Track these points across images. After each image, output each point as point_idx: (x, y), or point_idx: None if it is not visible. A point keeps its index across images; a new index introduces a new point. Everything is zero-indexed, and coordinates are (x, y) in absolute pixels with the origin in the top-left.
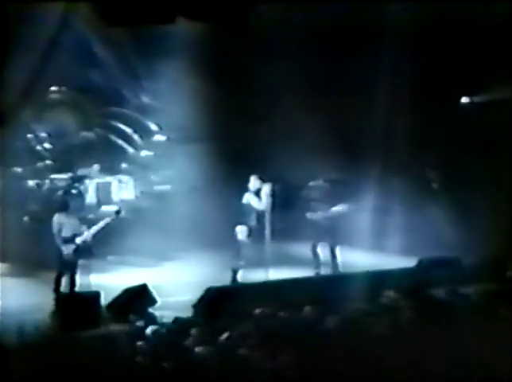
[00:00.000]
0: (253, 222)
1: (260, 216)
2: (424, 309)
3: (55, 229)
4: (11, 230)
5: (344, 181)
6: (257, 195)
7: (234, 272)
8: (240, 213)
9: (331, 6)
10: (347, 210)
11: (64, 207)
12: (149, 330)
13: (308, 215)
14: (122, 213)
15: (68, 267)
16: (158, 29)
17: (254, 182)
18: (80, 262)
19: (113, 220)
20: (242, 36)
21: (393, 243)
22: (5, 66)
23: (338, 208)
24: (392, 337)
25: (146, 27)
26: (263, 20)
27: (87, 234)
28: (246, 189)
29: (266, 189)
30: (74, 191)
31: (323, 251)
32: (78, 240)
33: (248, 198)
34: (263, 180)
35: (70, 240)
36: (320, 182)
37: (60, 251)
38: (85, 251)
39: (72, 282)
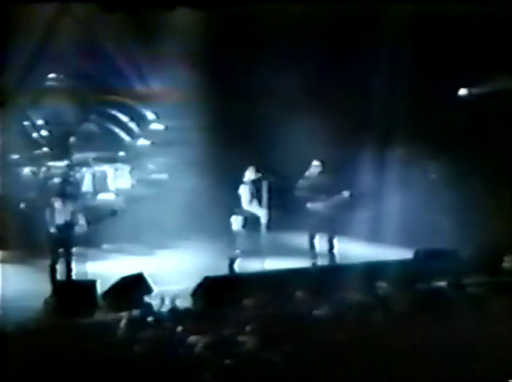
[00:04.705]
0: (248, 212)
1: (256, 206)
2: (420, 300)
3: (49, 216)
4: (7, 217)
5: (342, 172)
6: (254, 185)
7: (232, 262)
8: (236, 203)
9: None
10: (348, 198)
11: (59, 194)
12: (144, 319)
13: (308, 205)
14: (120, 200)
15: (61, 255)
16: (157, 16)
17: (250, 172)
18: (76, 250)
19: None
20: (240, 24)
21: (391, 235)
22: (3, 52)
23: (339, 197)
24: (388, 328)
25: (145, 14)
26: (261, 8)
27: (82, 223)
28: (242, 179)
29: (263, 178)
30: (70, 179)
31: (320, 242)
32: (72, 228)
33: (244, 188)
34: (260, 170)
35: (64, 227)
36: (317, 173)
37: (52, 239)
38: (79, 239)
39: (68, 270)
